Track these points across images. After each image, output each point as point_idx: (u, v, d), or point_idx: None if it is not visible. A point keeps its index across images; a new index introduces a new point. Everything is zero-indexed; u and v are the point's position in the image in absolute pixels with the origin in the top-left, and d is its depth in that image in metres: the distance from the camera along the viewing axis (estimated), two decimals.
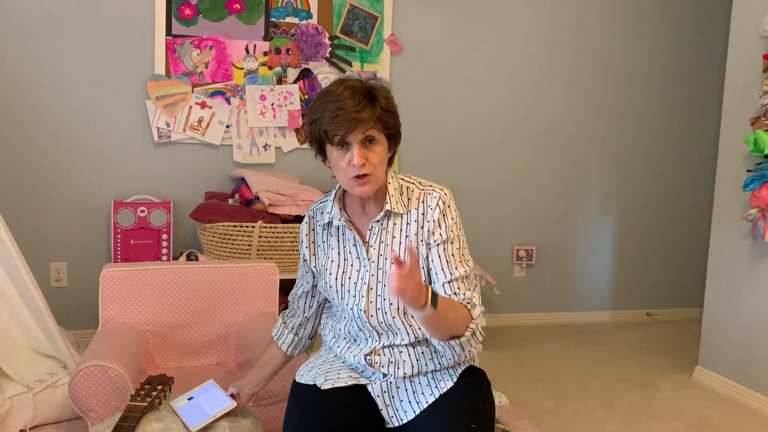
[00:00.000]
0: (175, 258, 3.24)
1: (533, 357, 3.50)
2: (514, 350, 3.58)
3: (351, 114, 1.45)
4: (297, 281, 1.78)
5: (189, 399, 1.66)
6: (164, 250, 3.21)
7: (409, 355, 1.58)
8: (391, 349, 1.59)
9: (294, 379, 1.68)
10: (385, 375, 1.60)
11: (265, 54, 3.48)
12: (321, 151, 1.55)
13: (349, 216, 1.63)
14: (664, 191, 4.23)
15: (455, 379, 1.59)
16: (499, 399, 2.64)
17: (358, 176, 1.49)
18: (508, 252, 4.00)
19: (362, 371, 1.62)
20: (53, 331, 2.49)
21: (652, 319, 4.28)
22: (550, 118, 3.97)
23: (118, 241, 3.16)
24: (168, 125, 3.37)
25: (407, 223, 1.58)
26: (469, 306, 1.51)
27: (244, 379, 1.78)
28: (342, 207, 1.64)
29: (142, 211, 3.18)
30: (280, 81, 3.51)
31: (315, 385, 1.60)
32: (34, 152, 3.24)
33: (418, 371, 1.58)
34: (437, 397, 1.56)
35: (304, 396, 1.60)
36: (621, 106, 4.08)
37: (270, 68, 3.49)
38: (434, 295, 1.37)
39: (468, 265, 1.58)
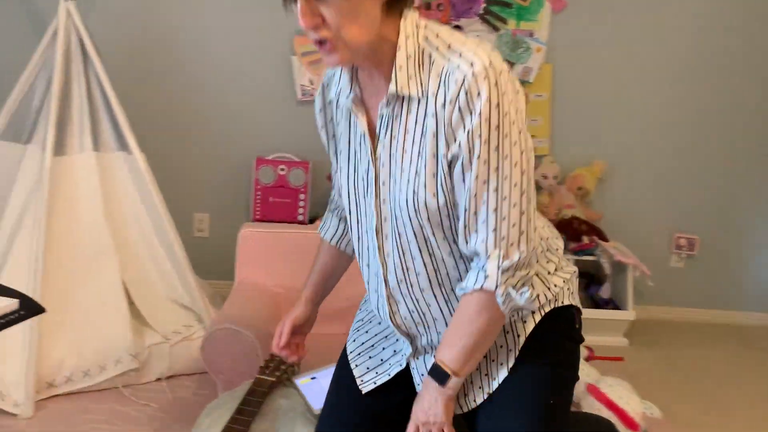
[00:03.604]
0: (311, 221, 3.20)
1: (686, 359, 3.14)
2: (664, 349, 3.23)
3: None
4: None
5: (312, 378, 1.59)
6: (300, 210, 3.18)
7: (441, 311, 1.19)
8: (413, 297, 1.20)
9: (345, 347, 1.48)
10: (417, 349, 1.29)
11: (415, 9, 3.28)
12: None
13: (362, 89, 1.16)
14: None
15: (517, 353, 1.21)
16: (650, 409, 2.35)
17: (317, 42, 1.05)
18: (666, 239, 3.60)
19: (398, 339, 1.34)
20: (191, 282, 2.53)
21: None
22: (721, 97, 3.44)
23: (258, 197, 3.17)
24: (312, 83, 3.30)
25: (424, 114, 1.05)
26: (483, 285, 1.07)
27: (314, 297, 1.53)
28: (354, 75, 1.17)
29: (282, 170, 3.16)
30: None
31: (357, 380, 1.37)
32: (179, 105, 3.29)
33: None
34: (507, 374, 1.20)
35: (344, 393, 1.40)
36: None
37: None
38: (437, 373, 1.13)
39: (526, 222, 1.07)
